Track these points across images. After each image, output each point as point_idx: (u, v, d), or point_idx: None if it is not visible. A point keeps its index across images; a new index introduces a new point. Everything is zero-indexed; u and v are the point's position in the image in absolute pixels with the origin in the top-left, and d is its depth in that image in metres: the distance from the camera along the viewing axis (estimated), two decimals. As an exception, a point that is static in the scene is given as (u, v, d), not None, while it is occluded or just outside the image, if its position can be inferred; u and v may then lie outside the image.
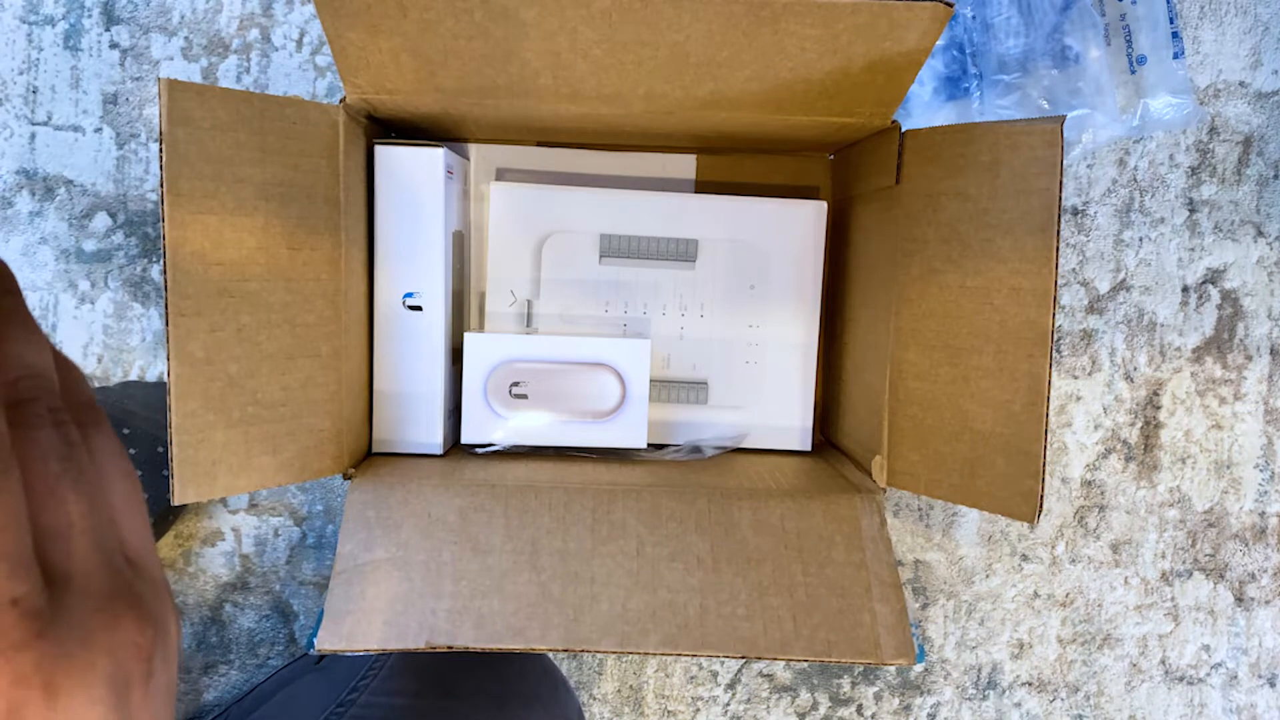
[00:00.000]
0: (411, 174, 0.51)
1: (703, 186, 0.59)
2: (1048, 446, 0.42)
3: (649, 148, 0.59)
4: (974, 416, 0.45)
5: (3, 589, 0.18)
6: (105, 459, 0.22)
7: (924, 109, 0.60)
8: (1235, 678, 0.66)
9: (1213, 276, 0.64)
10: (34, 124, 0.62)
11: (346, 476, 0.48)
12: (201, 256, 0.41)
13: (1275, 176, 0.64)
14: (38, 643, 0.18)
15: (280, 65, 0.62)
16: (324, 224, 0.46)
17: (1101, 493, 0.65)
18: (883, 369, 0.49)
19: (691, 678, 0.65)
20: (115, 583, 0.21)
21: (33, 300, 0.62)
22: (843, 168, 0.58)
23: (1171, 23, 0.59)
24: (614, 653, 0.46)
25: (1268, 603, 0.65)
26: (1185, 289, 0.64)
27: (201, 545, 0.63)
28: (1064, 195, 0.61)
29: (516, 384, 0.53)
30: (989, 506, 0.44)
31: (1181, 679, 0.66)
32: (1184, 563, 0.65)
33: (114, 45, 0.61)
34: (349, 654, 0.42)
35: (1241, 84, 0.63)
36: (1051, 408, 0.43)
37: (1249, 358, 0.64)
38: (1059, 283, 0.42)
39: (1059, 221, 0.41)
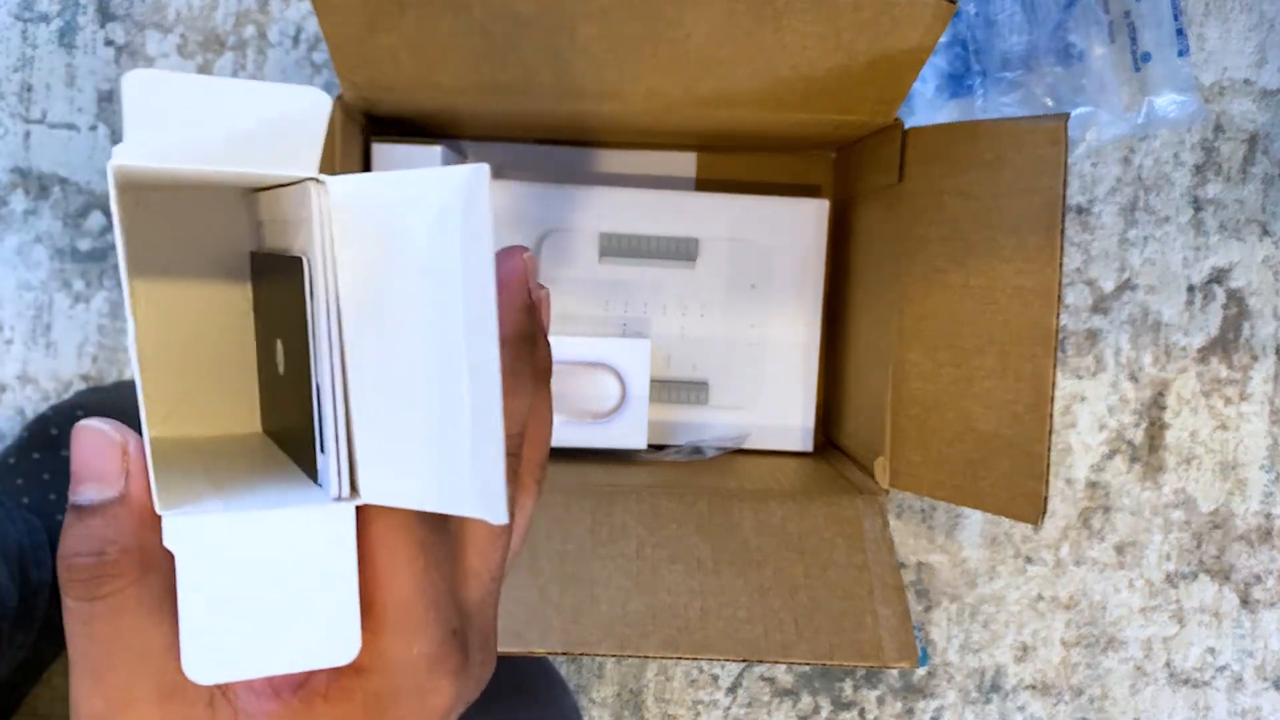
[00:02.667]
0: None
1: (703, 185, 0.59)
2: (1052, 447, 0.42)
3: (649, 145, 0.58)
4: (977, 417, 0.44)
5: (449, 615, 0.21)
6: (519, 518, 0.23)
7: (927, 106, 0.60)
8: (1240, 680, 0.65)
9: (1218, 276, 0.64)
10: (28, 122, 0.61)
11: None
12: (197, 255, 0.41)
13: (1281, 175, 0.63)
14: (462, 673, 0.21)
15: (277, 62, 0.61)
16: (320, 223, 0.45)
17: (1106, 494, 0.64)
18: (885, 369, 0.49)
19: (692, 681, 0.65)
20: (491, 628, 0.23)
21: (27, 300, 0.61)
22: (845, 166, 0.58)
23: (1176, 20, 0.59)
24: (613, 656, 0.46)
25: (1273, 605, 0.65)
26: (1190, 288, 0.64)
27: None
28: (1068, 194, 0.60)
29: (515, 384, 0.53)
30: (992, 508, 0.44)
31: (1186, 682, 0.65)
32: (1189, 565, 0.65)
33: (109, 42, 0.61)
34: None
35: (1247, 82, 0.63)
36: (1056, 408, 0.42)
37: (1254, 358, 0.64)
38: (1063, 282, 0.42)
39: (1063, 220, 0.41)
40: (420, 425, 0.19)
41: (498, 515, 0.17)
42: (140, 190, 0.23)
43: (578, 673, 0.64)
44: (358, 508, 0.20)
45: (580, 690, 0.64)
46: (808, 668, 0.65)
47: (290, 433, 0.23)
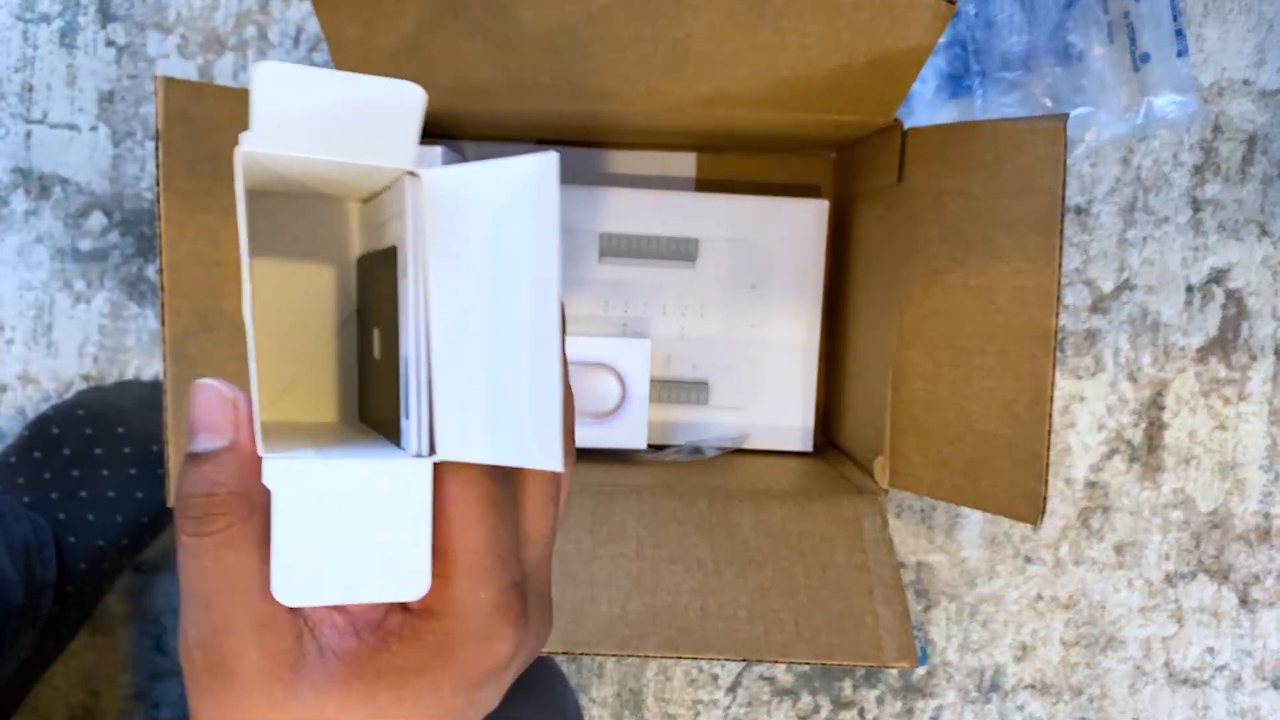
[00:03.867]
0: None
1: (703, 185, 0.59)
2: (1051, 447, 0.42)
3: (649, 145, 0.58)
4: (977, 417, 0.44)
5: (513, 569, 0.23)
6: (564, 484, 0.26)
7: (926, 107, 0.60)
8: (1239, 680, 0.65)
9: (1217, 276, 0.64)
10: (29, 122, 0.61)
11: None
12: (198, 256, 0.41)
13: (1279, 175, 0.63)
14: (522, 623, 0.23)
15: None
16: (321, 223, 0.46)
17: (1105, 494, 0.64)
18: (885, 369, 0.49)
19: (692, 681, 0.65)
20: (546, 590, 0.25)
21: (28, 300, 0.61)
22: (844, 166, 0.58)
23: (1175, 20, 0.59)
24: (613, 655, 0.46)
25: (1272, 605, 0.65)
26: (1189, 288, 0.64)
27: (198, 546, 0.63)
28: (1067, 194, 0.60)
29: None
30: (992, 508, 0.44)
31: (1185, 681, 0.65)
32: (1188, 564, 0.65)
33: (110, 43, 0.61)
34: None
35: (1245, 82, 0.63)
36: (1055, 408, 0.42)
37: (1253, 358, 0.64)
38: (1062, 282, 0.42)
39: (1062, 220, 0.41)
40: (487, 385, 0.21)
41: (554, 463, 0.20)
42: (258, 198, 0.25)
43: (578, 673, 0.64)
44: (435, 465, 0.22)
45: (580, 690, 0.64)
46: (807, 667, 0.65)
47: (384, 417, 0.25)
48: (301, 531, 0.21)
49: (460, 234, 0.21)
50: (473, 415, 0.21)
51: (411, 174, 0.22)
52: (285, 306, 0.27)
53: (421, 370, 0.22)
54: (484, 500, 0.22)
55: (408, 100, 0.21)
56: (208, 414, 0.21)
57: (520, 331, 0.20)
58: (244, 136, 0.20)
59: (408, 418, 0.22)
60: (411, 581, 0.22)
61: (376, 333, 0.26)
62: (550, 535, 0.24)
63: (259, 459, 0.21)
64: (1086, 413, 0.64)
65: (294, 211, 0.27)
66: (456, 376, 0.22)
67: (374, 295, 0.26)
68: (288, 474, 0.21)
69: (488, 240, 0.21)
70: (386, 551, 0.21)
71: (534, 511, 0.24)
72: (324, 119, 0.20)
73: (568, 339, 0.53)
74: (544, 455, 0.20)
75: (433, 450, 0.22)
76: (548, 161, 0.19)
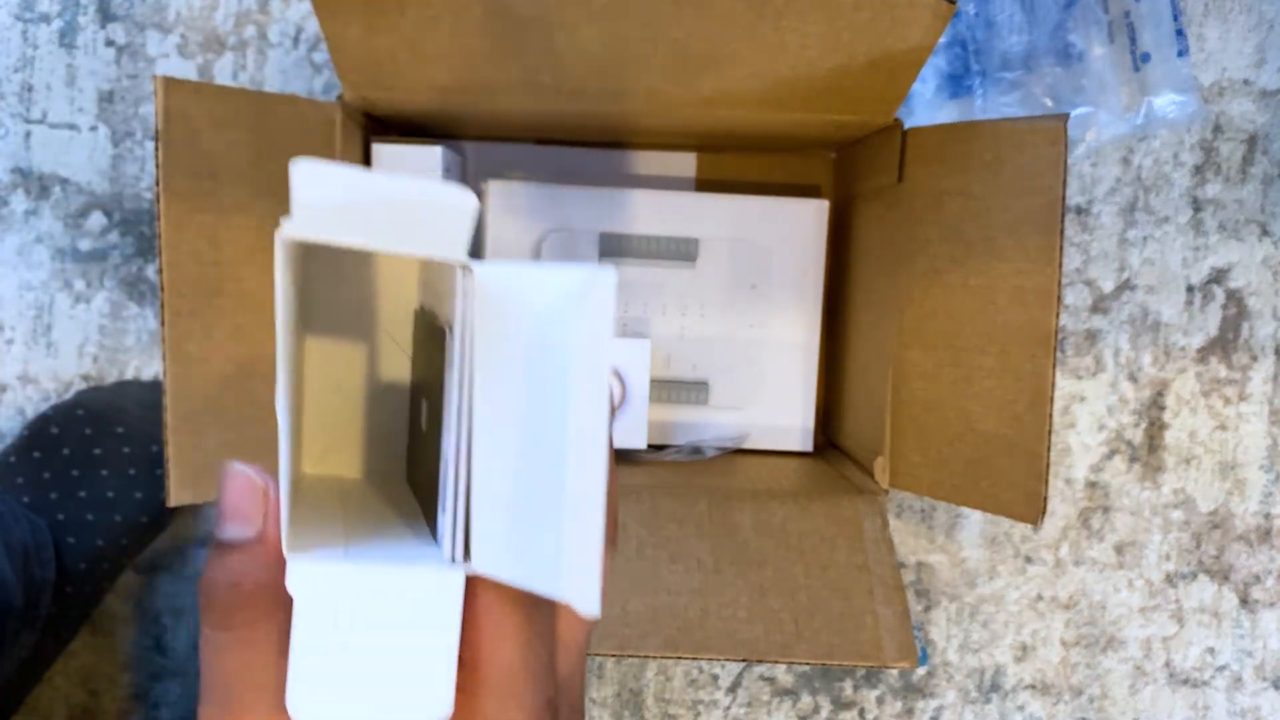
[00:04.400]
0: (409, 172, 0.50)
1: (703, 185, 0.59)
2: (1051, 447, 0.42)
3: (649, 145, 0.58)
4: (977, 417, 0.44)
5: (547, 685, 0.22)
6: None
7: (926, 107, 0.60)
8: (1240, 680, 0.65)
9: (1217, 276, 0.64)
10: (29, 122, 0.61)
11: (343, 478, 0.47)
12: (198, 256, 0.41)
13: (1279, 175, 0.63)
14: None
15: (277, 62, 0.61)
16: (321, 223, 0.45)
17: (1105, 494, 0.64)
18: (885, 369, 0.49)
19: (692, 681, 0.65)
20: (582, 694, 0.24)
21: (28, 300, 0.61)
22: (844, 166, 0.58)
23: (1175, 20, 0.59)
24: (613, 655, 0.46)
25: (1272, 605, 0.65)
26: (1190, 288, 0.64)
27: (197, 546, 0.63)
28: (1067, 194, 0.60)
29: (515, 384, 0.53)
30: (992, 508, 0.44)
31: (1186, 682, 0.65)
32: (1188, 565, 0.65)
33: (110, 43, 0.61)
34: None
35: (1246, 82, 0.63)
36: (1055, 408, 0.42)
37: (1254, 358, 0.64)
38: (1063, 282, 0.42)
39: (1063, 220, 0.41)
40: (527, 504, 0.20)
41: (590, 607, 0.18)
42: (300, 253, 0.24)
43: (578, 672, 0.64)
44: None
45: (580, 690, 0.64)
46: (808, 667, 0.65)
47: (426, 488, 0.25)
48: (322, 640, 0.20)
49: (510, 337, 0.21)
50: (510, 531, 0.21)
51: (465, 268, 0.21)
52: (344, 357, 0.27)
53: (461, 472, 0.21)
54: (519, 611, 0.21)
55: (460, 205, 0.20)
56: (238, 501, 0.21)
57: (564, 462, 0.19)
58: (285, 221, 0.20)
59: (443, 513, 0.22)
60: (433, 701, 0.21)
61: (425, 405, 0.25)
62: (585, 641, 0.24)
63: None
64: (1087, 413, 0.64)
65: (340, 264, 0.26)
66: (496, 487, 0.21)
67: (426, 362, 0.25)
68: (312, 578, 0.20)
69: (537, 351, 0.20)
70: (409, 667, 0.20)
71: (570, 617, 0.23)
72: (370, 213, 0.20)
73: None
74: (580, 597, 0.19)
75: (467, 556, 0.21)
76: (605, 279, 0.19)
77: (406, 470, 0.28)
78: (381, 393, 0.28)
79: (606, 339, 0.19)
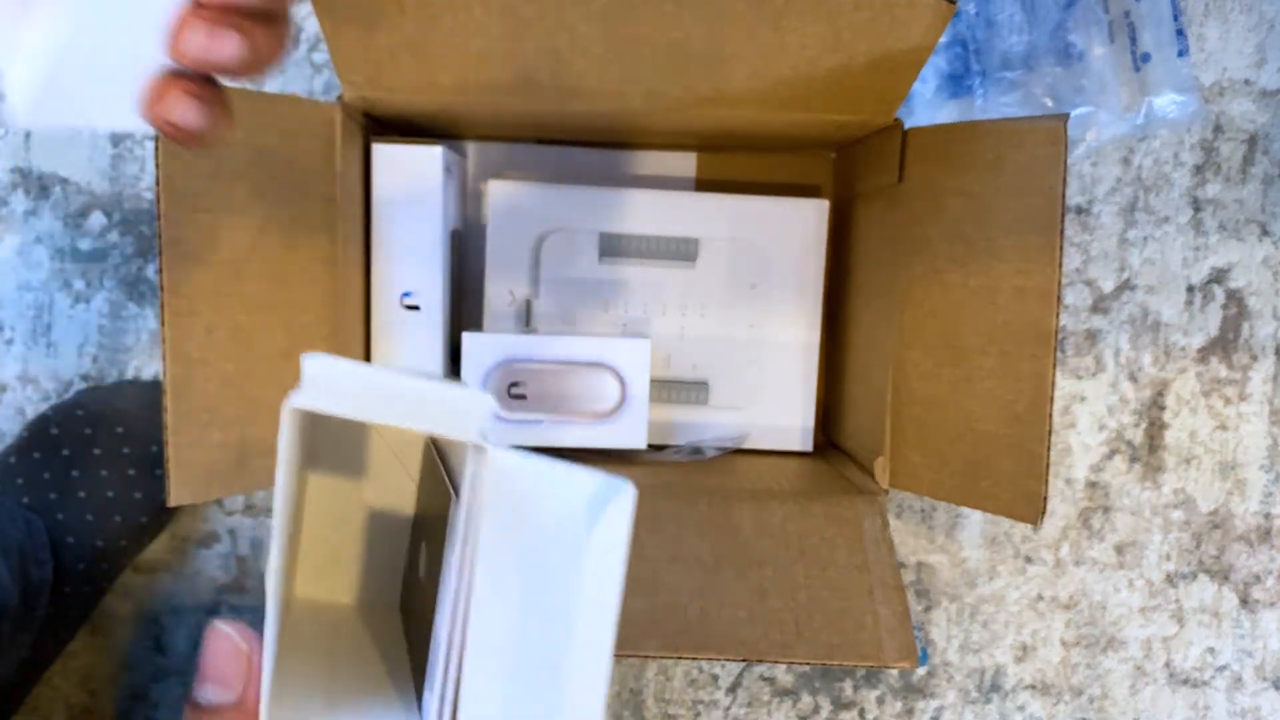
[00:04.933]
0: (409, 172, 0.50)
1: (703, 185, 0.59)
2: (1051, 447, 0.42)
3: (649, 145, 0.58)
4: (977, 417, 0.44)
5: None
6: None
7: (926, 107, 0.60)
8: (1240, 680, 0.65)
9: (1217, 276, 0.64)
10: (29, 122, 0.61)
11: (343, 478, 0.47)
12: (197, 256, 0.41)
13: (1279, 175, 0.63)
14: None
15: (277, 63, 0.61)
16: (321, 223, 0.46)
17: (1106, 494, 0.64)
18: (885, 369, 0.49)
19: (692, 681, 0.65)
20: None
21: (28, 300, 0.61)
22: (845, 166, 0.58)
23: (1176, 20, 0.59)
24: (613, 655, 0.46)
25: (1272, 605, 0.65)
26: (1190, 288, 0.64)
27: (197, 547, 0.63)
28: (1068, 194, 0.60)
29: (515, 384, 0.53)
30: (992, 508, 0.44)
31: (1186, 682, 0.65)
32: (1188, 565, 0.65)
33: (110, 43, 0.61)
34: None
35: (1246, 82, 0.63)
36: (1055, 408, 0.42)
37: (1254, 358, 0.64)
38: (1063, 282, 0.42)
39: (1063, 220, 0.41)
40: (520, 698, 0.20)
41: None
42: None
43: (578, 673, 0.64)
44: None
45: (580, 690, 0.64)
46: (808, 668, 0.65)
47: (416, 633, 0.24)
48: None
49: (518, 525, 0.20)
50: None
51: (479, 448, 0.20)
52: (332, 488, 0.26)
53: (453, 654, 0.21)
54: None
55: (475, 407, 0.20)
56: (219, 664, 0.20)
57: (565, 666, 0.19)
58: (294, 393, 0.19)
59: (430, 692, 0.21)
60: None
61: (425, 549, 0.25)
62: None
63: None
64: (1087, 413, 0.64)
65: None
66: (487, 674, 0.20)
67: (429, 496, 0.25)
68: None
69: (547, 548, 0.20)
70: None
71: None
72: (381, 397, 0.19)
73: (568, 339, 0.53)
74: None
75: None
76: (625, 493, 0.18)
77: (400, 598, 0.27)
78: (382, 517, 0.28)
79: (623, 553, 0.19)
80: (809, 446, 0.57)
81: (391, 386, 0.19)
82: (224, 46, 0.22)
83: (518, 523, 0.20)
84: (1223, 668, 0.65)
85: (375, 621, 0.27)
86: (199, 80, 0.23)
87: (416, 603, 0.25)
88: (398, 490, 0.28)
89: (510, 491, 0.20)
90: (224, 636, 0.21)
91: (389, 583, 0.28)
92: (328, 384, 0.19)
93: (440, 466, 0.24)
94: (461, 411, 0.20)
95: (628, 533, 0.18)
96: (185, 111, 0.23)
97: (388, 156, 0.50)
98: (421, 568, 0.25)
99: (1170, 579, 0.65)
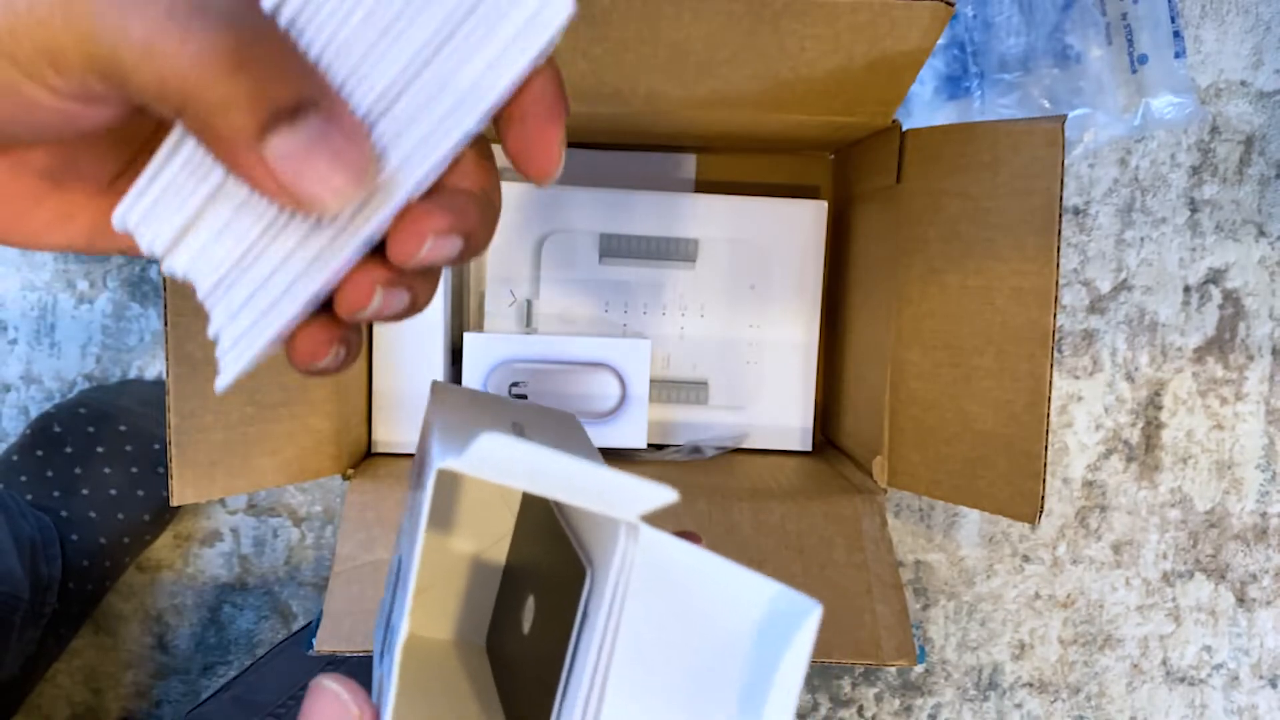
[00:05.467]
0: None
1: (702, 186, 0.59)
2: (1049, 447, 0.42)
3: (649, 147, 0.58)
4: (975, 417, 0.44)
5: None
6: None
7: (925, 108, 0.60)
8: (1236, 678, 0.66)
9: (1214, 276, 0.64)
10: (32, 123, 0.61)
11: (346, 477, 0.47)
12: (200, 256, 0.41)
13: (1277, 176, 0.63)
14: None
15: (279, 64, 0.62)
16: (323, 223, 0.46)
17: (1103, 493, 0.64)
18: (883, 369, 0.49)
19: (691, 678, 0.65)
20: None
21: (31, 300, 0.62)
22: (843, 167, 0.58)
23: (1173, 22, 0.59)
24: None
25: (1269, 603, 0.65)
26: (1187, 289, 0.64)
27: (200, 546, 0.63)
28: (1065, 195, 0.60)
29: (516, 384, 0.53)
30: (990, 507, 0.44)
31: (1183, 680, 0.66)
32: (1185, 563, 0.65)
33: (112, 44, 0.61)
34: (349, 655, 0.42)
35: (1243, 83, 0.63)
36: (1053, 408, 0.42)
37: (1250, 358, 0.64)
38: (1060, 282, 0.42)
39: (1060, 221, 0.41)
40: None
41: None
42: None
43: (578, 671, 0.65)
44: None
45: (580, 688, 0.64)
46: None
47: (511, 678, 0.24)
48: None
49: (670, 623, 0.19)
50: None
51: (633, 527, 0.19)
52: (451, 520, 0.26)
53: None
54: None
55: (643, 495, 0.19)
56: None
57: None
58: (451, 459, 0.18)
59: None
60: None
61: (532, 601, 0.24)
62: None
63: None
64: (1084, 412, 0.64)
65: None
66: None
67: (528, 545, 0.24)
68: None
69: (702, 655, 0.18)
70: None
71: None
72: (549, 474, 0.18)
73: (568, 340, 0.53)
74: None
75: None
76: (814, 614, 0.17)
77: (488, 639, 0.27)
78: (472, 557, 0.27)
79: (802, 676, 0.18)
80: (808, 446, 0.58)
81: (556, 469, 0.18)
82: (394, 305, 0.21)
83: (672, 615, 0.19)
84: (1219, 666, 0.65)
85: (467, 660, 0.27)
86: (347, 327, 0.23)
87: (514, 651, 0.25)
88: (488, 533, 0.28)
89: (665, 580, 0.19)
90: (330, 695, 0.19)
91: (479, 622, 0.28)
92: (494, 460, 0.18)
93: (563, 524, 0.23)
94: (630, 496, 0.19)
95: (809, 652, 0.17)
96: (329, 361, 0.23)
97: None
98: (526, 621, 0.24)
99: (1167, 578, 0.65)
